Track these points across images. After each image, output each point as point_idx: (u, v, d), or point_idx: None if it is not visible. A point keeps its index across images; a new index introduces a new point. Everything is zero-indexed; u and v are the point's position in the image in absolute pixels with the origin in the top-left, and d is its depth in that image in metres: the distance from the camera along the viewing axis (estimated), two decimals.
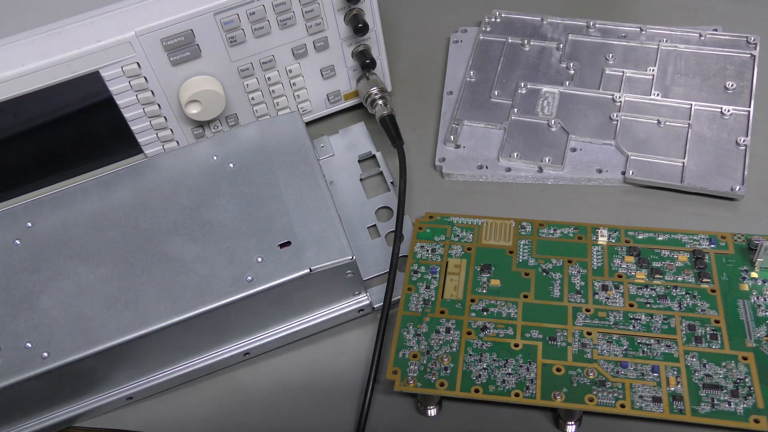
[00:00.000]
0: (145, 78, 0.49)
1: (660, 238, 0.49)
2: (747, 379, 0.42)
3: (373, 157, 0.57)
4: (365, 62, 0.55)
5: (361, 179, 0.56)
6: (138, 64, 0.48)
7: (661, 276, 0.47)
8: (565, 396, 0.42)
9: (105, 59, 0.47)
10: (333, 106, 0.59)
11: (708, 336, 0.44)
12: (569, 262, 0.48)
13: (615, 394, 0.42)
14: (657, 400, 0.41)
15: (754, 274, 0.46)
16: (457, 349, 0.44)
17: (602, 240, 0.49)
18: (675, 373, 0.42)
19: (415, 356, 0.44)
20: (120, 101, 0.50)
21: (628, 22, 0.61)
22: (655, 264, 0.47)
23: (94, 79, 0.48)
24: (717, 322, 0.44)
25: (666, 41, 0.59)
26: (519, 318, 0.46)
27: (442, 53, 0.64)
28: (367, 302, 0.48)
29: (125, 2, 0.48)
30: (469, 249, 0.50)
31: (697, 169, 0.52)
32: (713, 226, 0.50)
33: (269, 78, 0.54)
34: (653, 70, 0.57)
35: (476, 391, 0.43)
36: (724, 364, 0.42)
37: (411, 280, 0.48)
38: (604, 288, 0.47)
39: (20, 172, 0.52)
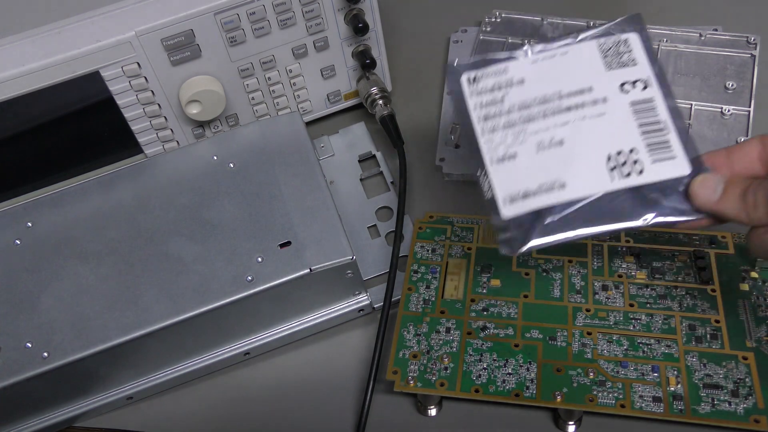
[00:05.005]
0: (145, 78, 0.49)
1: (660, 238, 0.49)
2: (747, 379, 0.42)
3: (373, 157, 0.57)
4: (365, 62, 0.55)
5: (361, 179, 0.56)
6: (138, 64, 0.48)
7: (661, 276, 0.47)
8: (565, 396, 0.42)
9: (105, 59, 0.47)
10: (333, 106, 0.59)
11: (708, 336, 0.44)
12: (569, 261, 0.48)
13: (615, 394, 0.42)
14: (657, 400, 0.41)
15: (754, 274, 0.46)
16: (457, 349, 0.44)
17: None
18: (675, 373, 0.42)
19: (415, 356, 0.44)
20: (120, 101, 0.50)
21: None
22: (655, 264, 0.47)
23: (94, 79, 0.48)
24: (717, 322, 0.44)
25: (666, 41, 0.59)
26: (519, 318, 0.46)
27: (442, 53, 0.64)
28: (367, 302, 0.48)
29: (125, 2, 0.48)
30: (469, 249, 0.49)
31: None
32: (713, 226, 0.50)
33: (269, 78, 0.54)
34: None
35: (476, 391, 0.43)
36: (724, 364, 0.42)
37: (411, 280, 0.48)
38: (605, 288, 0.46)
39: (20, 172, 0.52)
